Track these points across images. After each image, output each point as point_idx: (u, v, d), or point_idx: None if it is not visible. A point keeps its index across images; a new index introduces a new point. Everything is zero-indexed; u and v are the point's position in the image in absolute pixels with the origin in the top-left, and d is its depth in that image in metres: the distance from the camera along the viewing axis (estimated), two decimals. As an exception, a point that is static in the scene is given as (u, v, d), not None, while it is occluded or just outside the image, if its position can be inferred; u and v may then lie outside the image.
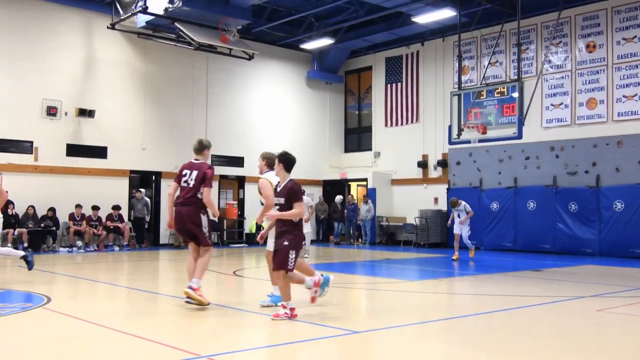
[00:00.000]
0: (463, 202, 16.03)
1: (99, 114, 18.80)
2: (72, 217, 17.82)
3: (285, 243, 6.98)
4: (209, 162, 8.41)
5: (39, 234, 17.14)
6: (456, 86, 18.56)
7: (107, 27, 18.69)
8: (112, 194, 18.93)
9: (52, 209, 17.51)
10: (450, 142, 17.42)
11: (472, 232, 19.20)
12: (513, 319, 7.46)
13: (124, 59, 19.79)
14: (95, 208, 18.23)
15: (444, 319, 7.55)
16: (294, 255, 7.02)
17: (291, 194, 7.07)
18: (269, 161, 8.01)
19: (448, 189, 21.05)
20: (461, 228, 15.88)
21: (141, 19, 18.85)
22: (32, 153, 17.72)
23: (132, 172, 19.70)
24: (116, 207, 18.68)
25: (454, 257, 15.68)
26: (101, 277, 11.91)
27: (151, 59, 20.30)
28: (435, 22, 20.11)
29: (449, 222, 16.54)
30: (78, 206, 17.93)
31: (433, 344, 6.23)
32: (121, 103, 19.59)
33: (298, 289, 7.36)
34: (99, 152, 18.92)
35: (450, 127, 17.01)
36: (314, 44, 22.53)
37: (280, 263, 6.98)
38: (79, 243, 17.68)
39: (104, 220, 18.45)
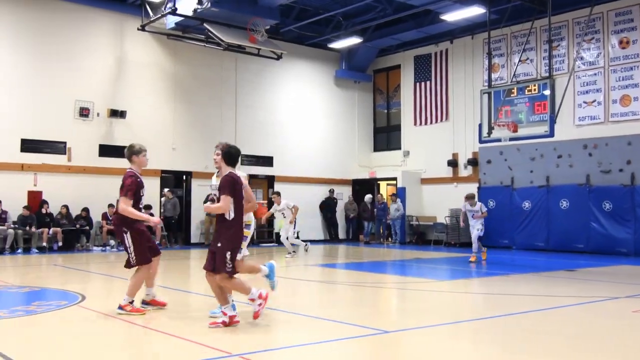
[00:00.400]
0: (479, 203, 15.44)
1: (130, 115, 19.04)
2: (104, 216, 18.08)
3: (219, 245, 6.43)
4: (136, 168, 7.46)
5: (73, 233, 17.43)
6: (486, 84, 18.36)
7: (138, 29, 18.92)
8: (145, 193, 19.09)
9: (86, 209, 17.80)
10: (481, 141, 17.26)
11: (504, 230, 19.00)
12: (545, 320, 7.37)
13: (154, 60, 20.02)
14: (126, 208, 18.42)
15: (475, 319, 7.48)
16: (229, 257, 6.37)
17: (220, 186, 6.47)
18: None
19: (479, 188, 20.86)
20: (473, 228, 15.04)
21: (170, 21, 19.05)
22: (65, 153, 18.02)
23: (163, 172, 19.91)
24: (147, 207, 18.83)
25: (471, 259, 14.80)
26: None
27: (181, 60, 20.50)
28: (465, 19, 19.94)
29: (462, 222, 15.62)
30: (110, 206, 18.16)
31: (464, 344, 6.18)
32: (152, 104, 19.82)
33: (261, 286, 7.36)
34: (123, 152, 19.07)
35: (480, 126, 16.86)
36: (342, 43, 22.51)
37: (214, 265, 6.41)
38: (112, 242, 17.93)
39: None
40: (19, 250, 16.39)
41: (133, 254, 7.23)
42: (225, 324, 6.39)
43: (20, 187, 17.10)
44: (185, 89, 20.59)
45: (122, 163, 18.68)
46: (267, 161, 22.43)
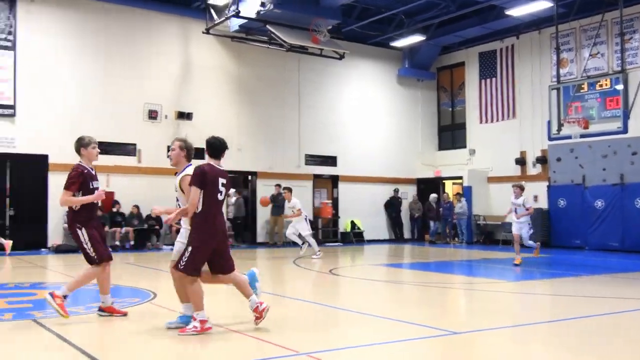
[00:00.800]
0: (525, 196, 13.96)
1: (196, 117, 19.44)
2: (173, 216, 18.49)
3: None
4: (86, 161, 7.02)
5: (144, 233, 17.94)
6: (554, 80, 17.89)
7: (202, 32, 19.28)
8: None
9: (156, 209, 18.28)
10: (550, 138, 16.82)
11: (576, 230, 18.40)
12: (619, 324, 7.10)
13: (218, 63, 20.37)
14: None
15: (545, 321, 7.29)
16: (187, 255, 5.97)
17: (192, 176, 6.09)
18: (188, 151, 6.65)
19: (548, 187, 20.31)
20: (520, 227, 13.73)
21: (234, 23, 19.35)
22: (135, 155, 18.57)
23: (228, 172, 20.11)
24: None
25: (516, 262, 13.47)
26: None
27: (244, 62, 20.78)
28: (530, 14, 19.43)
29: (506, 213, 14.51)
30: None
31: (535, 346, 6.02)
32: (217, 105, 20.18)
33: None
34: (197, 153, 19.40)
35: (549, 123, 16.42)
36: (405, 41, 22.33)
37: (177, 263, 6.10)
38: (181, 241, 18.33)
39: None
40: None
41: (92, 250, 6.81)
42: (196, 330, 5.94)
43: (94, 188, 17.67)
44: (249, 90, 20.86)
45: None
46: (331, 161, 22.48)
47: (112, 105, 18.22)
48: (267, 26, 18.46)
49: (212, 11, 18.91)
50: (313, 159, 21.96)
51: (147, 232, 18.04)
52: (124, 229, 17.56)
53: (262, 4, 17.66)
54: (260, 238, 20.79)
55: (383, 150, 23.62)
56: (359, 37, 22.60)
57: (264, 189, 20.52)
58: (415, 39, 22.10)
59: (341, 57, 20.36)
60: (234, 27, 19.54)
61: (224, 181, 6.26)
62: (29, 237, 16.52)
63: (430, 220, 22.95)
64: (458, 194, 22.38)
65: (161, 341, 5.88)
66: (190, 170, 6.32)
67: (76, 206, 6.80)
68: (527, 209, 13.71)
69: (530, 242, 14.01)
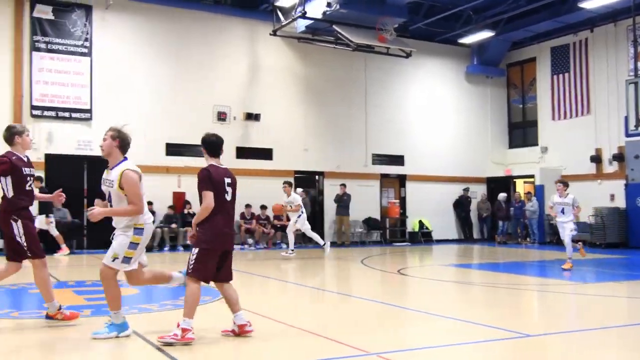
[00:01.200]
0: (572, 195, 12.62)
1: (264, 118, 19.70)
2: (242, 216, 18.82)
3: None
4: (18, 151, 6.50)
5: (213, 232, 18.27)
6: (632, 74, 17.19)
7: (269, 34, 19.51)
8: (279, 194, 19.68)
9: (225, 209, 18.63)
10: (627, 134, 16.20)
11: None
12: None
13: (285, 64, 20.57)
14: (263, 207, 19.15)
15: (625, 325, 7.01)
16: (194, 259, 5.74)
17: (198, 182, 5.93)
18: (122, 142, 5.98)
19: (626, 185, 19.52)
20: (565, 227, 12.51)
21: (301, 24, 19.51)
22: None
23: (296, 172, 20.40)
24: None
25: (566, 266, 12.48)
26: (271, 274, 12.44)
27: (311, 62, 20.90)
28: (605, 6, 18.73)
29: (554, 213, 12.80)
30: (248, 206, 18.91)
31: (614, 351, 5.80)
32: (284, 106, 20.38)
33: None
34: (265, 154, 19.83)
35: (626, 118, 15.81)
36: (473, 37, 21.94)
37: (187, 269, 5.89)
38: (250, 241, 18.62)
39: (272, 219, 19.31)
40: (166, 248, 17.46)
41: (26, 244, 6.31)
42: (176, 338, 5.53)
43: (166, 188, 18.19)
44: (316, 90, 20.97)
45: (258, 164, 19.54)
46: (398, 160, 22.33)
47: (183, 108, 18.67)
48: (334, 26, 18.51)
49: (279, 13, 19.11)
50: (380, 159, 21.87)
51: (217, 232, 18.38)
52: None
53: (328, 5, 17.74)
54: (327, 238, 20.82)
55: (451, 148, 23.28)
56: (426, 35, 22.35)
57: (331, 189, 20.61)
58: (484, 35, 21.68)
59: (408, 55, 20.20)
60: (300, 28, 19.71)
61: (229, 180, 6.04)
62: (106, 236, 17.13)
63: (499, 220, 22.45)
64: (529, 193, 21.80)
65: (225, 339, 5.96)
66: (127, 166, 5.81)
67: (11, 194, 6.29)
68: (576, 208, 12.49)
69: (570, 245, 12.59)
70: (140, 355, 5.51)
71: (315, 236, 15.96)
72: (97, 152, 16.82)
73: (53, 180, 17.09)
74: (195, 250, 5.73)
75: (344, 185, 20.24)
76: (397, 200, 22.14)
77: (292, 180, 15.88)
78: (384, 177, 22.07)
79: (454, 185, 23.14)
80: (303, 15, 18.07)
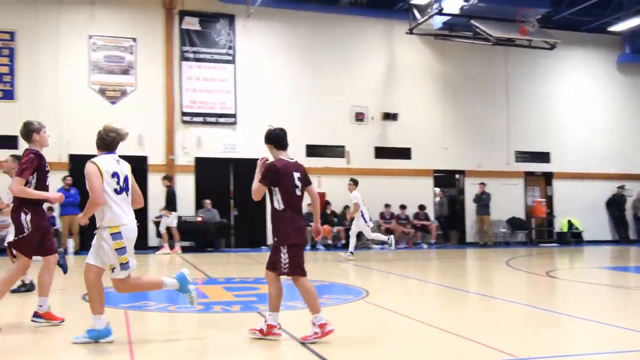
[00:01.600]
0: None
1: (401, 117, 19.60)
2: (382, 216, 18.84)
3: (275, 239, 5.78)
4: (37, 147, 6.30)
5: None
6: None
7: (406, 33, 19.37)
8: (418, 193, 19.56)
9: (366, 210, 18.75)
10: None
11: None
12: None
13: (422, 62, 20.33)
14: (402, 207, 19.05)
15: None
16: (285, 253, 5.63)
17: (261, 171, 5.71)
18: (99, 140, 5.66)
19: None
20: None
21: (437, 21, 19.19)
22: (344, 157, 19.20)
23: (435, 171, 20.09)
24: (421, 207, 19.30)
25: None
26: (411, 273, 12.32)
27: (449, 59, 20.50)
28: None
29: None
30: (387, 205, 18.91)
31: None
32: (422, 105, 20.15)
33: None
34: (404, 153, 19.72)
35: None
36: (625, 24, 20.43)
37: (274, 264, 5.73)
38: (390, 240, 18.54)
39: (411, 218, 19.16)
40: (307, 247, 17.85)
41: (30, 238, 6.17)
42: (317, 336, 5.47)
43: (306, 189, 18.57)
44: (454, 87, 20.54)
45: (396, 164, 19.46)
46: (544, 157, 21.33)
47: (321, 110, 19.02)
48: (472, 21, 18.05)
49: (415, 11, 18.94)
50: (523, 156, 21.03)
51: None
52: (335, 229, 18.22)
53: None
54: (469, 238, 20.37)
55: (602, 144, 21.84)
56: (572, 25, 21.14)
57: (472, 188, 20.10)
58: (638, 21, 20.12)
59: (552, 47, 19.24)
60: (437, 25, 19.39)
61: (299, 175, 5.75)
62: (253, 235, 17.85)
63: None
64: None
65: (372, 336, 5.96)
66: (95, 159, 5.50)
67: (30, 187, 6.15)
68: None
69: None
70: (293, 353, 5.63)
71: (378, 236, 15.28)
72: (242, 154, 17.64)
73: (202, 182, 18.17)
74: (284, 250, 5.61)
75: (482, 184, 19.67)
76: (543, 199, 21.14)
77: (357, 178, 15.27)
78: (528, 175, 21.17)
79: (606, 182, 21.69)
80: (440, 12, 17.78)
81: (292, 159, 5.82)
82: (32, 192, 6.08)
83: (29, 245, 6.16)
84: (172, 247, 16.07)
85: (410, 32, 19.28)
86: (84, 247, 15.99)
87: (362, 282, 10.02)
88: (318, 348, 5.38)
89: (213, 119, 18.20)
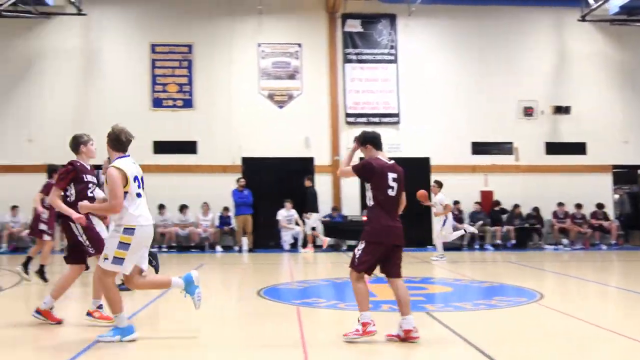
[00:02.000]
0: None
1: (574, 110, 18.43)
2: (555, 214, 17.86)
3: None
4: (83, 159, 6.55)
5: (524, 231, 17.67)
6: None
7: (577, 20, 18.18)
8: (594, 191, 18.25)
9: (536, 208, 17.87)
10: None
11: None
12: None
13: (596, 50, 18.96)
14: (578, 206, 17.88)
15: None
16: (360, 250, 5.68)
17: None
18: (111, 141, 5.76)
19: None
20: None
21: (614, 5, 17.82)
22: (512, 153, 18.44)
23: (614, 167, 18.66)
24: (600, 205, 18.00)
25: None
26: (589, 276, 11.54)
27: (627, 46, 18.94)
28: None
29: None
30: (560, 204, 17.84)
31: None
32: (597, 96, 18.77)
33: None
34: (578, 148, 18.52)
35: None
36: None
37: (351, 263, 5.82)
38: (565, 241, 17.54)
39: (587, 217, 17.96)
40: (476, 247, 17.37)
41: (88, 242, 6.34)
42: (358, 333, 5.58)
43: (473, 187, 18.11)
44: (633, 75, 18.93)
45: (569, 160, 18.35)
46: None
47: (487, 105, 18.42)
48: (654, 2, 16.56)
49: (588, -4, 17.74)
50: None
51: (528, 231, 17.73)
52: (505, 228, 17.58)
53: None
54: (654, 238, 18.71)
55: None
56: None
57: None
58: None
59: None
60: (613, 9, 18.02)
61: (395, 176, 5.80)
62: (418, 234, 17.65)
63: None
64: None
65: (543, 341, 5.66)
66: (115, 163, 5.59)
67: (70, 198, 6.41)
68: None
69: None
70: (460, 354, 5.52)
71: (456, 234, 14.38)
72: (406, 153, 17.57)
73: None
74: (361, 245, 5.69)
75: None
76: None
77: (441, 180, 14.43)
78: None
79: None
80: (616, -5, 16.51)
81: (389, 159, 5.94)
82: (61, 206, 6.29)
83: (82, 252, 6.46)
84: (318, 245, 16.85)
85: (583, 18, 18.07)
86: (256, 245, 16.87)
87: (535, 285, 9.54)
88: (487, 348, 5.21)
89: (376, 119, 18.32)
